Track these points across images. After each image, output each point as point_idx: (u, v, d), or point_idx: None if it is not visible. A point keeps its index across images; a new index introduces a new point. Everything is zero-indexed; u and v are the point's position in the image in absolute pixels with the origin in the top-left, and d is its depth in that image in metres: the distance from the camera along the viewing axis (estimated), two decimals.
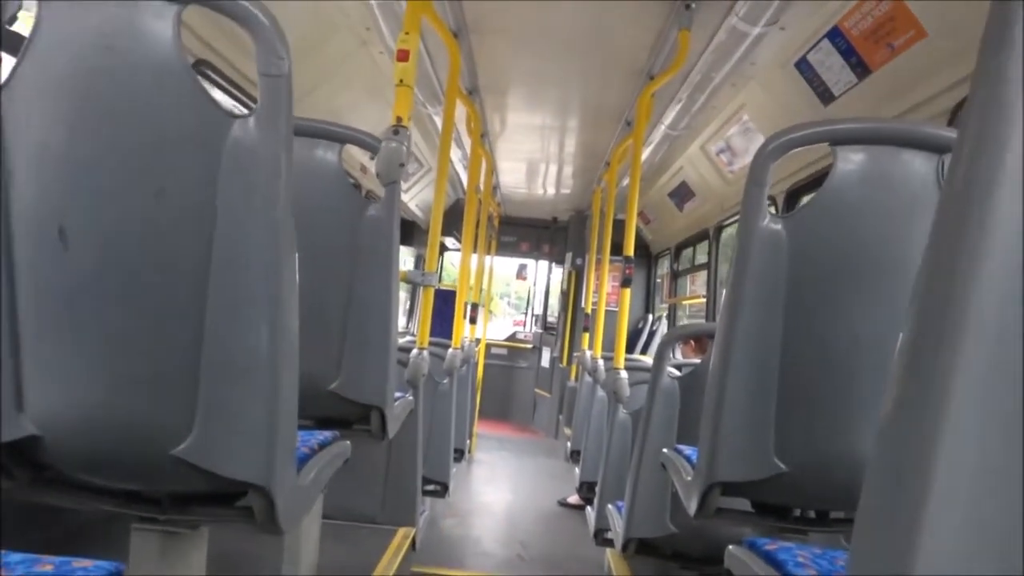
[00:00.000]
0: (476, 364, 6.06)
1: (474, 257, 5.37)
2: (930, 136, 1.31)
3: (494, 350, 8.75)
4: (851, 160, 1.32)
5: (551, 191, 7.82)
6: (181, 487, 1.16)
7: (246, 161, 1.02)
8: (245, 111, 1.04)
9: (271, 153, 1.03)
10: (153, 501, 1.19)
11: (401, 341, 2.94)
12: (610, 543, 3.09)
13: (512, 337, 9.27)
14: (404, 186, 6.16)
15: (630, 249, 3.73)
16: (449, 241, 8.06)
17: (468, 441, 5.43)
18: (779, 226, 1.37)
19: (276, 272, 1.04)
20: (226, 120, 1.03)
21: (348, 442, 1.61)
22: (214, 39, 2.93)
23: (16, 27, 1.89)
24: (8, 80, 1.04)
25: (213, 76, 3.06)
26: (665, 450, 1.89)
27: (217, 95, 3.10)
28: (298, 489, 1.23)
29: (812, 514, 1.55)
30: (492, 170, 6.20)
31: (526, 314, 10.18)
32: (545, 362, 8.66)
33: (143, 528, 1.21)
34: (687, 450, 1.79)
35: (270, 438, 1.06)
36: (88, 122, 1.02)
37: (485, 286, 7.17)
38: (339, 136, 1.84)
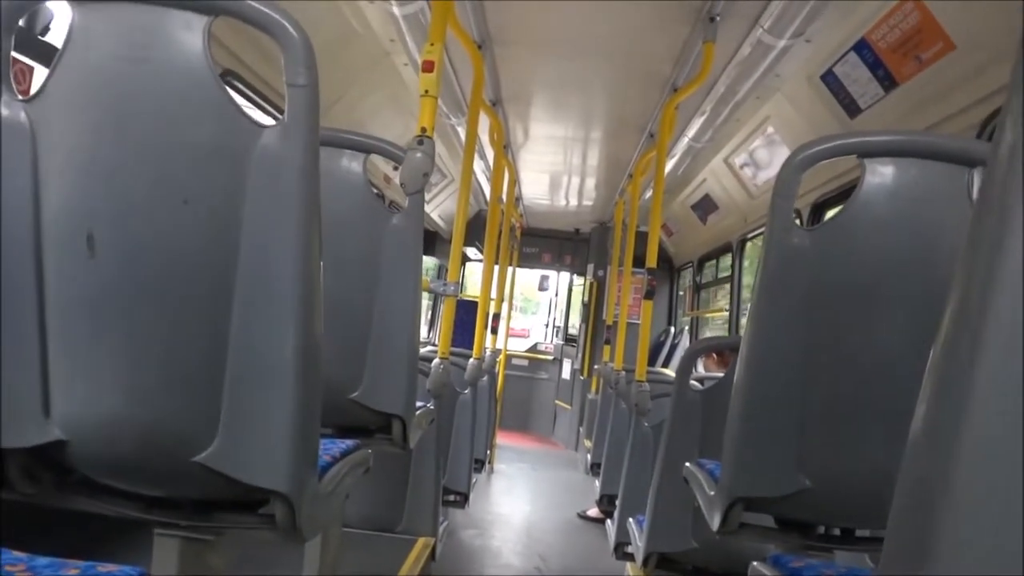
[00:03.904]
0: (497, 375, 6.04)
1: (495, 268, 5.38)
2: (962, 149, 1.29)
3: (515, 361, 8.74)
4: (880, 173, 1.30)
5: (573, 202, 7.81)
6: (204, 493, 1.17)
7: (273, 170, 1.03)
8: (272, 121, 1.05)
9: (298, 162, 1.04)
10: (176, 507, 1.20)
11: (422, 351, 2.95)
12: (630, 557, 3.06)
13: (533, 348, 9.26)
14: (427, 196, 6.17)
15: (653, 261, 3.71)
16: (471, 252, 8.07)
17: (488, 452, 5.42)
18: (805, 239, 1.35)
19: (302, 280, 1.05)
20: (254, 130, 1.04)
21: (369, 451, 1.61)
22: (242, 50, 2.98)
23: (48, 37, 1.94)
24: (41, 89, 1.06)
25: (240, 87, 3.10)
26: (687, 464, 1.87)
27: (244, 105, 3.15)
28: (320, 497, 1.23)
29: (837, 531, 1.53)
30: (515, 181, 6.21)
31: (546, 325, 10.15)
32: (566, 374, 8.63)
33: (165, 534, 1.21)
34: (709, 464, 1.77)
35: (293, 446, 1.07)
36: (117, 131, 1.03)
37: (507, 297, 7.16)
38: (364, 146, 1.85)
